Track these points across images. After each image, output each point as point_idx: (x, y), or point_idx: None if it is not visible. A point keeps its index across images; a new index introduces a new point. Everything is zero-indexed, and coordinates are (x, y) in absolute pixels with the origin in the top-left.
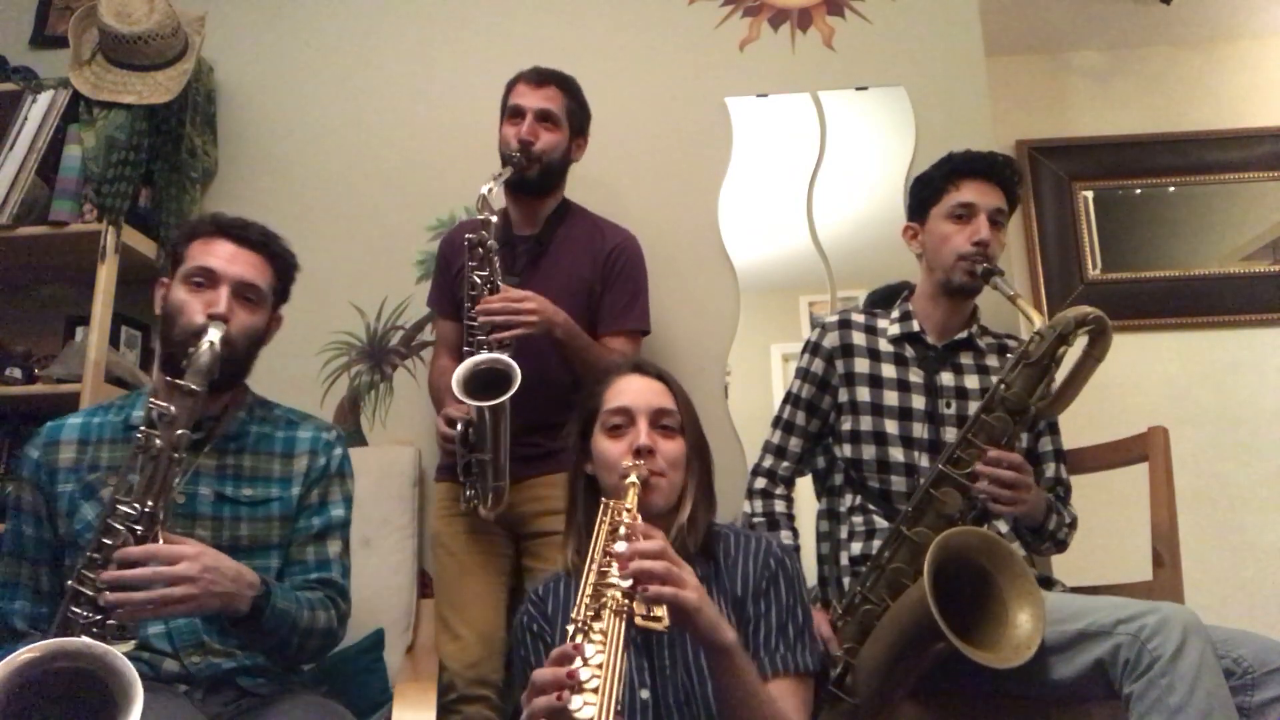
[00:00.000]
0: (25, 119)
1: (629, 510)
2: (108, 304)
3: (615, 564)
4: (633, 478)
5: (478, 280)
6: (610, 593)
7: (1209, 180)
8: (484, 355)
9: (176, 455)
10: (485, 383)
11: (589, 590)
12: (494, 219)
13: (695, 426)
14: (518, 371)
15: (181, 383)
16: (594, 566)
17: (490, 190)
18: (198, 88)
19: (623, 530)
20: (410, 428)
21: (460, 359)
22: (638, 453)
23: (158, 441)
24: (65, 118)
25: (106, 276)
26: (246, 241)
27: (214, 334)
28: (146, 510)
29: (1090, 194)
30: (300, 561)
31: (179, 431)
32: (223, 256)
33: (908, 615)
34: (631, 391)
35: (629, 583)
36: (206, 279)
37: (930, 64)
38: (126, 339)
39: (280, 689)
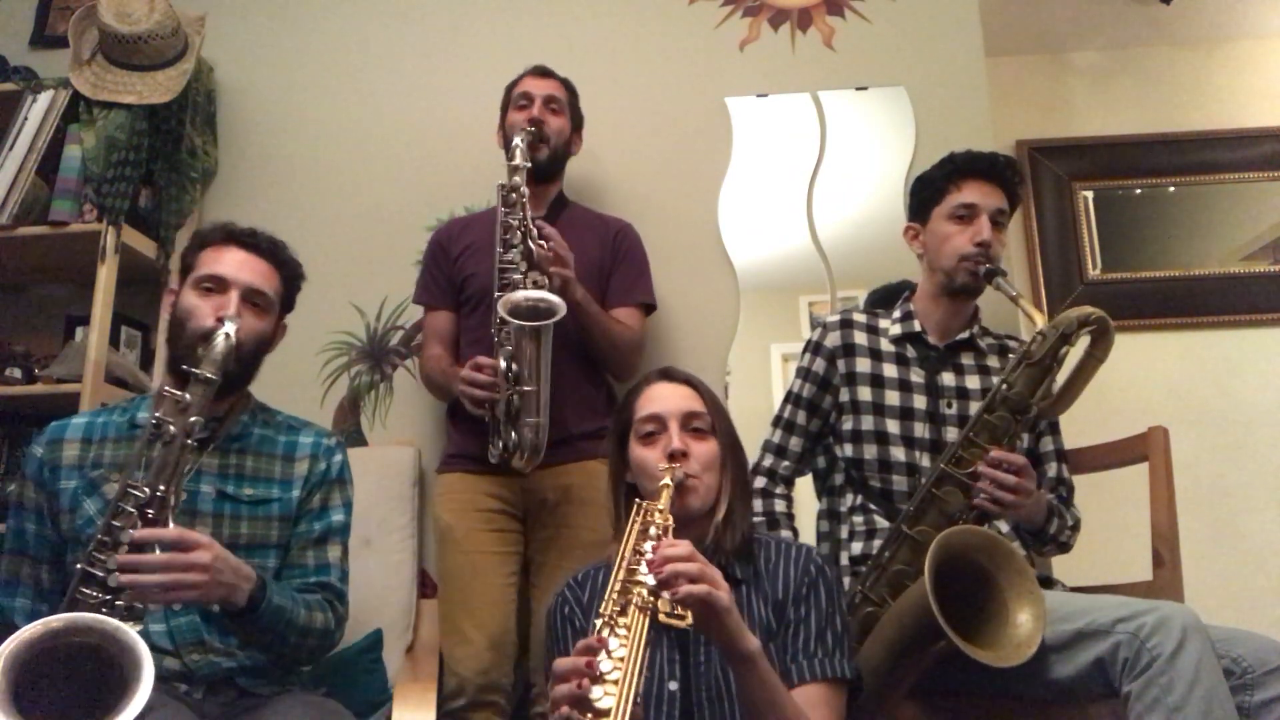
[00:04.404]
0: (25, 119)
1: (661, 511)
2: (108, 304)
3: (644, 563)
4: (666, 480)
5: (512, 223)
6: (637, 590)
7: (1209, 180)
8: (531, 291)
9: (189, 441)
10: (528, 318)
11: (617, 586)
12: (528, 164)
13: (727, 427)
14: (563, 305)
15: (197, 371)
16: (623, 564)
17: (523, 140)
18: (198, 88)
19: (652, 531)
20: (410, 428)
21: (454, 349)
22: (671, 456)
23: (171, 427)
24: (65, 118)
25: (106, 276)
26: (255, 249)
27: (229, 326)
28: (157, 494)
29: (1090, 194)
30: (300, 565)
31: (192, 418)
32: (232, 263)
33: (908, 614)
34: (660, 398)
35: (654, 581)
36: (216, 285)
37: (930, 64)
38: (126, 339)
39: (279, 689)
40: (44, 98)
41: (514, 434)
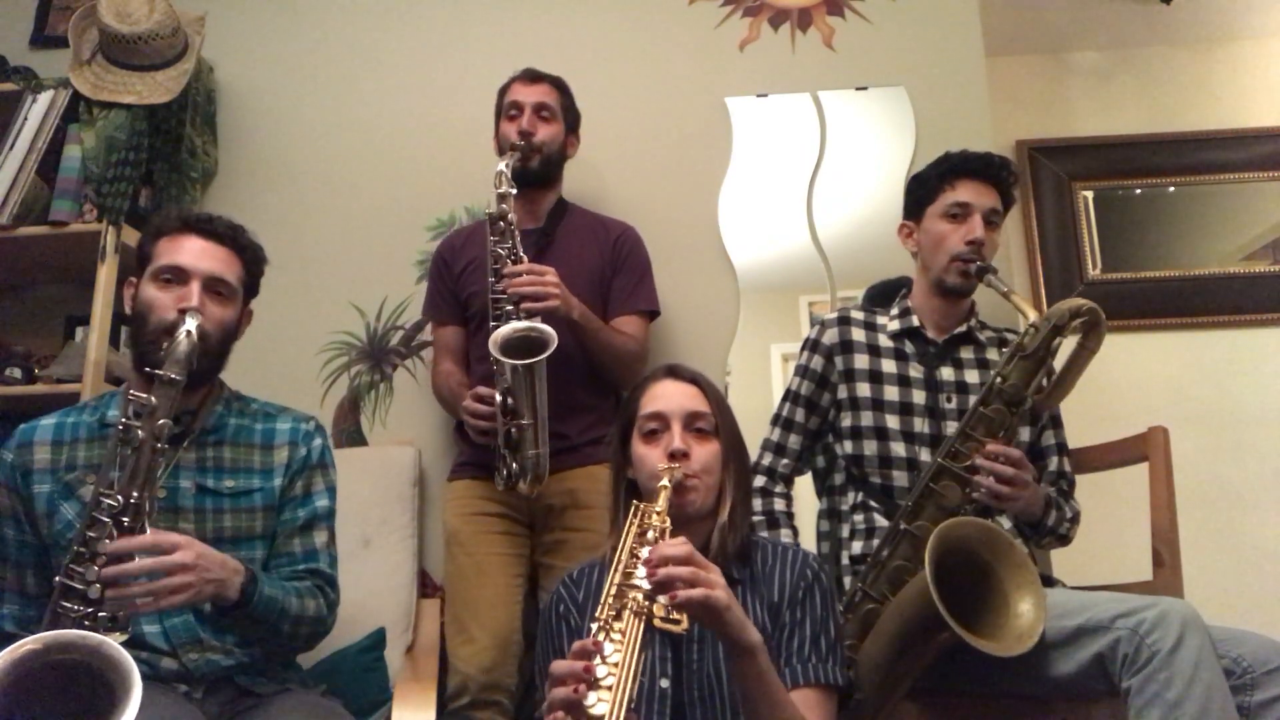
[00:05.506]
0: (25, 119)
1: (659, 513)
2: (108, 304)
3: (641, 565)
4: (664, 481)
5: (501, 253)
6: (632, 594)
7: (1209, 180)
8: (519, 323)
9: (159, 445)
10: (520, 350)
11: (613, 590)
12: (513, 191)
13: (731, 428)
14: (554, 335)
15: (160, 373)
16: (620, 567)
17: (507, 165)
18: (198, 88)
19: (650, 534)
20: (410, 428)
21: (464, 362)
22: (672, 456)
23: (139, 433)
24: (65, 118)
25: (106, 276)
26: (214, 235)
27: (191, 323)
28: (131, 502)
29: (1090, 194)
30: (287, 553)
31: (160, 421)
32: (191, 252)
33: (910, 606)
34: (665, 396)
35: (650, 586)
36: (176, 276)
37: (930, 64)
38: (126, 339)
39: (279, 687)
40: (44, 98)
41: (515, 464)
